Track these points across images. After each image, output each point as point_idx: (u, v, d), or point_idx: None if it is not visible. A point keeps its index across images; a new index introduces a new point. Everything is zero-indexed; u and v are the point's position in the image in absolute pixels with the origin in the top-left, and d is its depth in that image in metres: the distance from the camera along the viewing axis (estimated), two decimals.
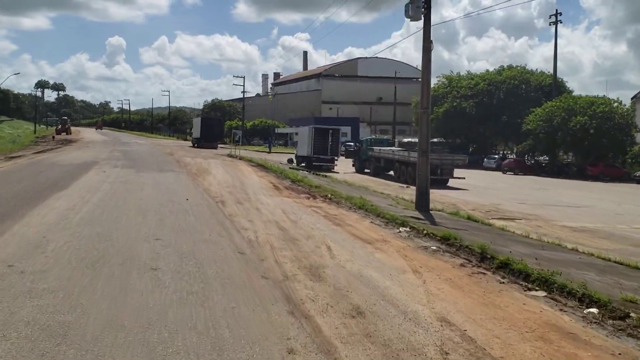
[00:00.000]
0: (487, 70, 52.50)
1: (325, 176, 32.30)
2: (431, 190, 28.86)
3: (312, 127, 41.25)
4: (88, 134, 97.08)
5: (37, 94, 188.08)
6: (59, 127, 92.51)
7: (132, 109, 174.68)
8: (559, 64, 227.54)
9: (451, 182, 32.00)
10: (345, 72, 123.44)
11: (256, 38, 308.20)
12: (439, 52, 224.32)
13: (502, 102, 48.21)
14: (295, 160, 45.43)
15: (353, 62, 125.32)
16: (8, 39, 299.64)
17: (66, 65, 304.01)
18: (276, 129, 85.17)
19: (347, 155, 41.97)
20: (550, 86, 47.86)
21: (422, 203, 18.49)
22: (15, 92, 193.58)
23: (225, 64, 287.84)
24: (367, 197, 19.58)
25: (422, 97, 18.91)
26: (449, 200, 23.78)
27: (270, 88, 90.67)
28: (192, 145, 67.06)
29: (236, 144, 50.87)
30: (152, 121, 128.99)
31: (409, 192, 27.07)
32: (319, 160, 40.63)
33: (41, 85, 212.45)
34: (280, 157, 52.25)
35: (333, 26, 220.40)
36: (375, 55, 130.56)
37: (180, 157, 41.11)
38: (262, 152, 59.96)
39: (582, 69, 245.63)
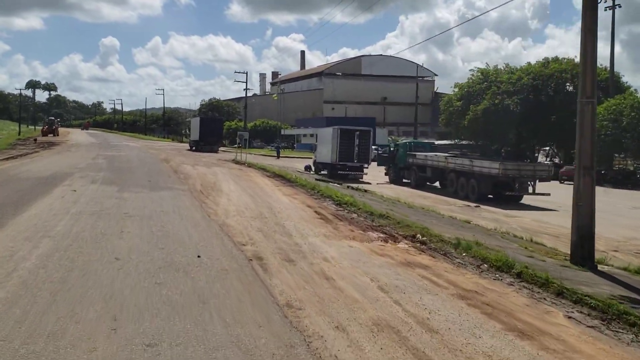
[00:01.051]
0: (529, 63, 44.96)
1: (366, 191, 24.78)
2: (503, 211, 21.57)
3: (337, 129, 33.69)
4: (77, 135, 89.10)
5: (27, 94, 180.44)
6: (46, 128, 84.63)
7: (126, 109, 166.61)
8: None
9: (526, 199, 24.59)
10: (348, 70, 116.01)
11: (250, 39, 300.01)
12: (433, 54, 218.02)
13: (550, 99, 40.77)
14: (313, 168, 37.89)
15: (357, 60, 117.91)
16: (0, 39, 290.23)
17: (59, 66, 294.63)
18: (282, 131, 77.61)
19: (380, 162, 34.43)
20: (607, 81, 40.54)
21: (583, 253, 10.98)
22: (6, 92, 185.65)
23: (219, 65, 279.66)
24: (475, 236, 12.17)
25: (585, 83, 11.30)
26: (550, 230, 16.44)
27: (277, 85, 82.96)
28: (189, 148, 59.41)
29: (240, 147, 43.31)
30: (146, 122, 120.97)
31: (489, 216, 19.64)
32: (344, 169, 33.10)
33: (32, 85, 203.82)
34: (292, 163, 44.66)
35: (327, 27, 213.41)
36: (380, 53, 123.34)
37: (178, 164, 33.46)
38: (269, 156, 52.32)
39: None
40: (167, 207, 15.47)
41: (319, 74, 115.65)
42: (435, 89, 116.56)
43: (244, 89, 65.75)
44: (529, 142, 44.95)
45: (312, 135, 63.72)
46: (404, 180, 31.73)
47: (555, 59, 43.32)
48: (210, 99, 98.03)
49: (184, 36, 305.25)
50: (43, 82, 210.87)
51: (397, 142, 34.04)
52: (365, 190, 24.86)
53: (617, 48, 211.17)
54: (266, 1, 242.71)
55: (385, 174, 33.84)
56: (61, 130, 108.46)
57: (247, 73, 66.78)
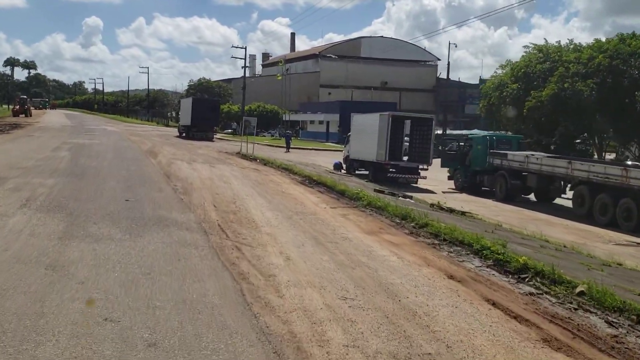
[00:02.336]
0: (598, 39, 35.97)
1: (463, 213, 15.61)
2: None
3: (388, 115, 24.39)
4: (52, 116, 78.53)
5: (6, 72, 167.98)
6: (17, 107, 74.12)
7: (108, 90, 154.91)
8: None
9: None
10: (347, 52, 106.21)
11: (235, 21, 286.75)
12: (419, 41, 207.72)
13: (635, 82, 31.91)
14: (344, 165, 28.72)
15: (356, 42, 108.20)
16: None
17: (41, 45, 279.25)
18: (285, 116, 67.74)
19: (445, 162, 25.15)
20: None
21: None
22: None
23: (204, 47, 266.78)
24: None
25: None
26: None
27: (280, 64, 72.69)
28: (178, 134, 49.58)
29: (246, 135, 33.92)
30: (128, 103, 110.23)
31: None
32: (397, 170, 23.91)
33: (10, 63, 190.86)
34: (309, 157, 35.31)
35: (314, 11, 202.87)
36: (380, 35, 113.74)
37: (170, 161, 23.91)
38: (276, 147, 42.73)
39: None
40: (172, 324, 5.95)
41: (315, 55, 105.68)
42: (438, 75, 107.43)
43: (242, 67, 56.08)
44: (597, 135, 36.09)
45: (321, 122, 54.16)
46: (483, 188, 22.66)
47: (634, 35, 34.36)
48: (199, 79, 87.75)
49: (168, 17, 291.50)
50: (22, 60, 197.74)
51: (468, 135, 24.79)
52: (463, 213, 15.70)
53: (601, 39, 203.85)
54: None
55: (450, 178, 24.70)
56: (38, 110, 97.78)
57: (245, 48, 56.99)
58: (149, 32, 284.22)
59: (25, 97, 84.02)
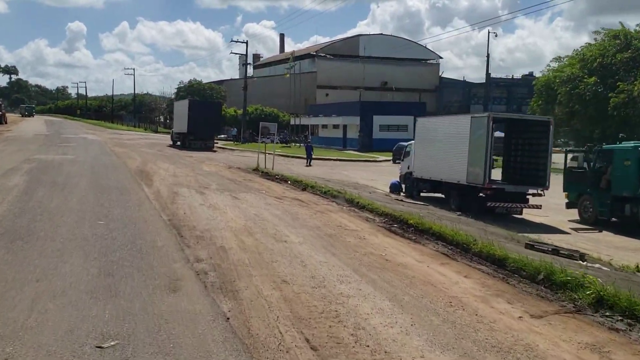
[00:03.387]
0: None
1: None
2: None
3: (488, 117, 16.48)
4: (29, 123, 69.78)
5: None
6: None
7: (92, 95, 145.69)
8: (519, 54, 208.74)
9: None
10: (344, 51, 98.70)
11: (220, 25, 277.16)
12: (405, 42, 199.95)
13: None
14: (403, 186, 21.13)
15: (354, 40, 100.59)
16: None
17: (24, 51, 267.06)
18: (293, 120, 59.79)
19: (569, 184, 17.39)
20: None
21: None
22: None
23: (188, 51, 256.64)
24: None
25: None
26: None
27: (288, 61, 64.11)
28: (172, 143, 41.60)
29: (262, 144, 26.16)
30: (113, 107, 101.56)
31: None
32: (498, 196, 16.30)
33: None
34: (340, 172, 27.76)
35: (298, 14, 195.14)
36: (379, 33, 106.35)
37: (171, 189, 16.00)
38: (290, 157, 34.84)
39: (545, 60, 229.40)
40: None
41: (311, 55, 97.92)
42: (440, 74, 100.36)
43: (244, 64, 48.42)
44: None
45: (336, 127, 46.37)
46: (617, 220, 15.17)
47: None
48: (189, 81, 79.50)
49: (152, 21, 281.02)
50: (3, 66, 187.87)
51: (596, 146, 17.22)
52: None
53: (585, 38, 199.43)
54: None
55: (571, 206, 17.10)
56: (14, 117, 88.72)
57: (247, 42, 49.04)
58: (133, 36, 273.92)
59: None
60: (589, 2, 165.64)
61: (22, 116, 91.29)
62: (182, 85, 79.17)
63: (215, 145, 39.88)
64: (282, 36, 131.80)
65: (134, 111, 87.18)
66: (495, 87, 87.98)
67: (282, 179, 20.29)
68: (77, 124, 76.99)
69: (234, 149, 38.90)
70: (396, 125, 42.65)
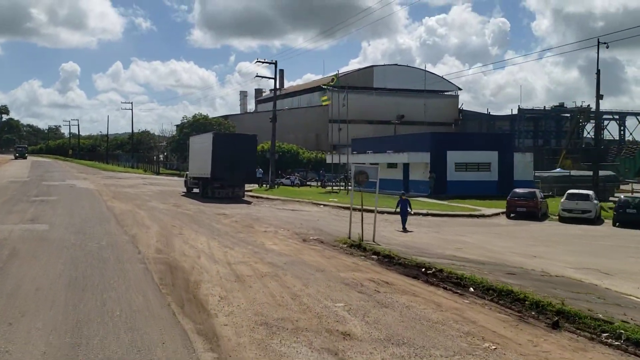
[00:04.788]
0: None
1: None
2: None
3: None
4: (13, 166, 59.52)
5: None
6: None
7: (85, 134, 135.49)
8: (510, 89, 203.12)
9: None
10: (358, 82, 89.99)
11: (213, 64, 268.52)
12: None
13: None
14: None
15: (367, 71, 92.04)
16: None
17: (18, 92, 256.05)
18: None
19: None
20: None
21: None
22: None
23: (182, 90, 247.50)
24: None
25: None
26: None
27: (328, 90, 53.34)
28: (187, 190, 31.46)
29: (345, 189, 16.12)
30: (108, 146, 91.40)
31: None
32: None
33: None
34: (461, 238, 17.54)
35: (290, 53, 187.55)
36: (394, 63, 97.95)
37: (265, 342, 5.93)
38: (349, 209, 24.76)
39: (536, 94, 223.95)
40: None
41: (321, 87, 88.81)
42: (460, 106, 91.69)
43: (272, 90, 38.54)
44: None
45: (391, 166, 36.27)
46: None
47: None
48: (194, 115, 69.53)
49: (145, 61, 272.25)
50: None
51: None
52: None
53: (574, 74, 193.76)
54: (228, 27, 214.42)
55: None
56: (6, 158, 78.19)
57: (276, 63, 39.28)
58: (126, 76, 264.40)
59: None
60: (578, 37, 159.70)
61: (15, 158, 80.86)
62: (185, 120, 69.29)
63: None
64: (281, 72, 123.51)
65: (132, 150, 77.00)
66: (524, 120, 79.17)
67: (441, 277, 10.21)
68: (68, 166, 66.62)
69: (269, 198, 28.68)
70: (476, 164, 32.85)
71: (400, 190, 34.03)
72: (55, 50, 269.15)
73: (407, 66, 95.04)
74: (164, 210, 20.89)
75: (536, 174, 34.31)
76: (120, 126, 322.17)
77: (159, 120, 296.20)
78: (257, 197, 29.48)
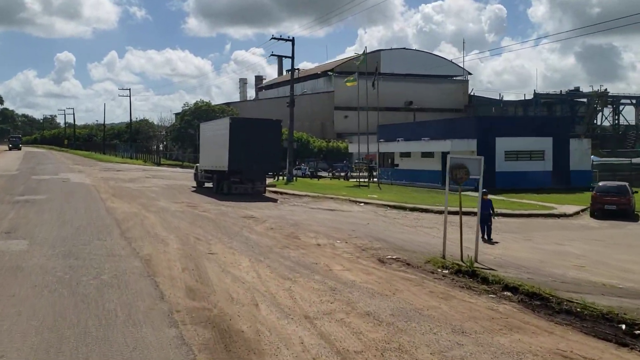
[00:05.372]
0: None
1: None
2: None
3: None
4: (7, 157, 55.07)
5: None
6: None
7: (81, 124, 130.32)
8: (506, 76, 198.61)
9: None
10: (364, 68, 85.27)
11: (208, 53, 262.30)
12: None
13: None
14: None
15: (374, 56, 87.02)
16: None
17: (13, 82, 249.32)
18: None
19: None
20: None
21: None
22: None
23: (177, 79, 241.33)
24: None
25: None
26: None
27: (361, 57, 48.64)
28: (197, 184, 27.21)
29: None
30: (105, 136, 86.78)
31: None
32: None
33: None
34: (570, 250, 13.19)
35: (287, 41, 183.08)
36: (402, 47, 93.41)
37: None
38: (397, 207, 20.27)
39: (532, 81, 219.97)
40: None
41: (325, 73, 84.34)
42: (470, 91, 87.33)
43: (288, 70, 34.31)
44: None
45: (426, 155, 31.93)
46: None
47: None
48: (195, 102, 64.91)
49: (141, 50, 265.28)
50: None
51: None
52: None
53: (571, 60, 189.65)
54: (223, 15, 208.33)
55: None
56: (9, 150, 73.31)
57: (293, 40, 34.84)
58: (122, 65, 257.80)
59: None
60: (575, 24, 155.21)
61: (9, 149, 75.98)
62: (187, 108, 64.68)
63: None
64: (280, 58, 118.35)
65: (130, 139, 72.38)
66: (539, 105, 74.88)
67: None
68: (63, 157, 62.04)
69: (295, 194, 24.32)
70: (527, 152, 28.55)
71: (437, 182, 30.02)
72: (50, 40, 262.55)
73: (416, 50, 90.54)
74: (177, 212, 16.62)
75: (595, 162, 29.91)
76: (116, 116, 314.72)
77: (155, 109, 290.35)
78: (279, 192, 25.18)
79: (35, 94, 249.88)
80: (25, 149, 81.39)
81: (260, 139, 22.37)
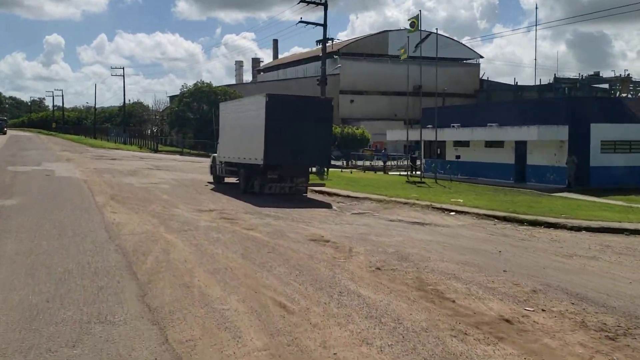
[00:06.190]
0: None
1: None
2: None
3: None
4: None
5: None
6: None
7: (70, 107, 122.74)
8: (498, 63, 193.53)
9: None
10: (371, 49, 79.71)
11: (199, 37, 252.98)
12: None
13: None
14: None
15: (382, 37, 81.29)
16: None
17: (1, 64, 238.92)
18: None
19: None
20: None
21: None
22: None
23: (167, 63, 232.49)
24: None
25: None
26: None
27: (413, 24, 42.77)
28: (214, 179, 21.37)
29: None
30: (95, 119, 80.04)
31: None
32: None
33: None
34: None
35: (278, 25, 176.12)
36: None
37: None
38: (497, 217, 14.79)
39: (523, 68, 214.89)
40: None
41: (333, 53, 78.12)
42: (481, 76, 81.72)
43: (319, 41, 28.49)
44: None
45: (492, 145, 26.10)
46: None
47: None
48: (195, 84, 58.58)
49: (130, 34, 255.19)
50: None
51: None
52: None
53: (562, 47, 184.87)
54: None
55: None
56: None
57: (326, 3, 28.95)
58: (111, 48, 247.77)
59: None
60: (566, 12, 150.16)
61: None
62: (185, 89, 58.30)
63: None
64: (275, 42, 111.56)
65: (123, 123, 65.87)
66: (556, 91, 69.66)
67: None
68: (51, 142, 55.62)
69: (349, 196, 18.55)
70: (627, 142, 22.90)
71: (509, 178, 24.40)
72: (39, 22, 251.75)
73: (425, 31, 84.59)
74: (213, 232, 10.86)
75: None
76: (106, 99, 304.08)
77: (145, 93, 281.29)
78: (323, 192, 19.40)
79: (24, 77, 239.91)
80: (10, 132, 74.56)
81: (306, 123, 16.55)
